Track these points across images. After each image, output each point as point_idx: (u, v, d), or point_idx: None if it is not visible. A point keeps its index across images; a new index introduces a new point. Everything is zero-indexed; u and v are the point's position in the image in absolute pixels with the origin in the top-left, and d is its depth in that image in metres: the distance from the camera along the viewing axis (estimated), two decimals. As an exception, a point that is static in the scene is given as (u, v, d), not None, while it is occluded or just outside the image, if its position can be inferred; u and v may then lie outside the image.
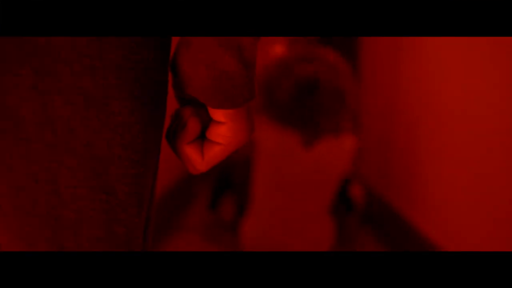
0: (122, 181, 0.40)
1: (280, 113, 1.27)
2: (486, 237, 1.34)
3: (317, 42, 1.59)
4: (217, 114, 0.42)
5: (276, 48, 1.57)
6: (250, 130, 0.44)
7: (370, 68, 1.82)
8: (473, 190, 1.37)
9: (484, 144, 1.30)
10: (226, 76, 0.39)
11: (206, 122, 0.44)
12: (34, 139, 0.37)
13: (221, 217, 1.85)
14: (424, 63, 1.54)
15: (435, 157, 1.52)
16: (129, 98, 0.39)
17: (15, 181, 0.37)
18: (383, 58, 1.77)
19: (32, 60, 0.35)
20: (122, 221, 0.41)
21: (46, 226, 0.38)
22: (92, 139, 0.38)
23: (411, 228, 1.64)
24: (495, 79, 1.25)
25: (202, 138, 0.45)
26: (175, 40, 0.45)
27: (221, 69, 0.39)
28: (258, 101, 1.31)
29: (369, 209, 1.81)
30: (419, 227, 1.61)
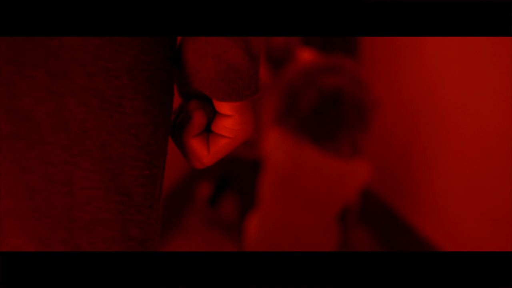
0: (137, 182, 0.40)
1: (300, 121, 1.25)
2: (486, 237, 1.34)
3: (320, 43, 1.59)
4: (223, 107, 0.42)
5: (304, 54, 1.56)
6: (255, 123, 0.44)
7: (370, 68, 1.82)
8: (473, 190, 1.37)
9: (484, 144, 1.30)
10: (233, 68, 0.40)
11: (211, 117, 0.44)
12: (49, 141, 0.36)
13: (221, 216, 1.85)
14: (424, 63, 1.54)
15: (435, 157, 1.52)
16: (141, 99, 0.39)
17: (30, 183, 0.37)
18: (383, 58, 1.77)
19: (45, 62, 0.35)
20: (137, 222, 0.41)
21: (61, 227, 0.38)
22: (106, 140, 0.38)
23: (411, 228, 1.64)
24: (495, 79, 1.25)
25: (207, 132, 0.45)
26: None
27: (228, 61, 0.39)
28: (279, 109, 1.30)
29: (369, 209, 1.81)
30: (419, 227, 1.61)
